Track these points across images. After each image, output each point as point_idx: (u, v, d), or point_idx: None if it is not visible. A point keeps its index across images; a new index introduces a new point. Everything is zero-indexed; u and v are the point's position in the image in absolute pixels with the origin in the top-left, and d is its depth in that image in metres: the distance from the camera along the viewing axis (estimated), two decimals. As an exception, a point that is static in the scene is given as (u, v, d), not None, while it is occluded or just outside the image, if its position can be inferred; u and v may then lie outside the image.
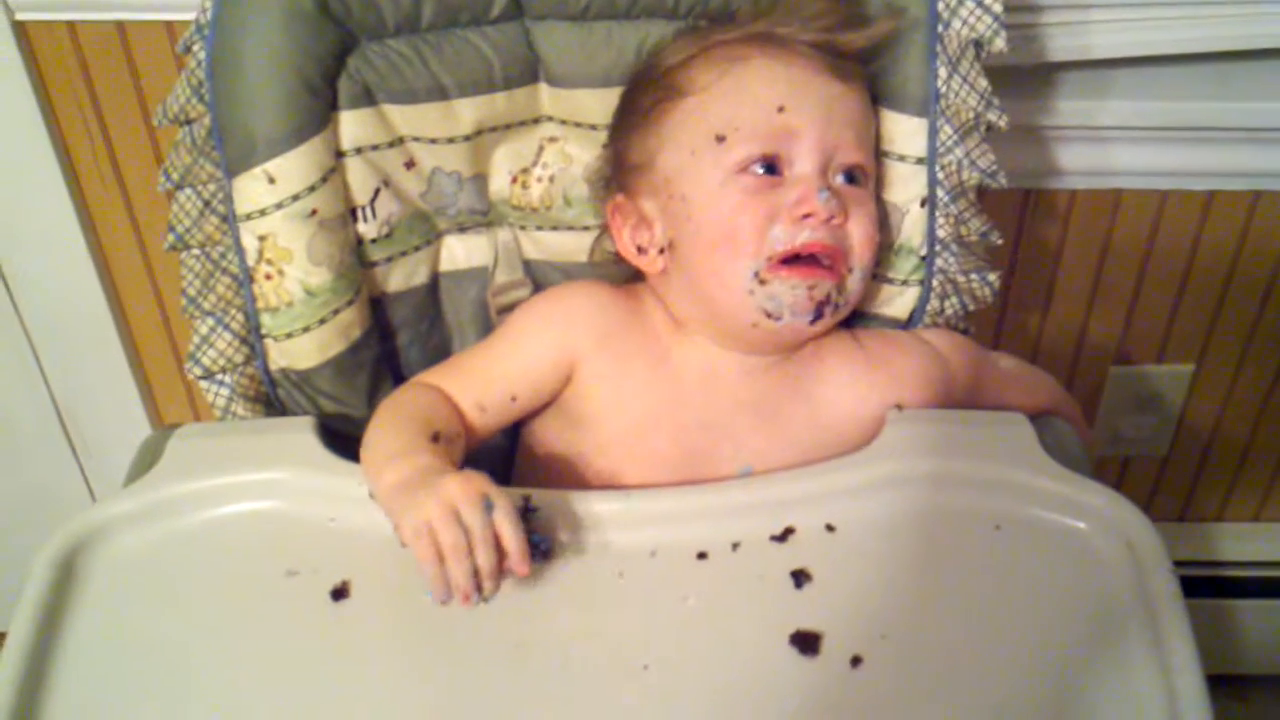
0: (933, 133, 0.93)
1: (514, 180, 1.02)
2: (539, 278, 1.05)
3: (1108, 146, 1.20)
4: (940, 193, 0.94)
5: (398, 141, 0.96)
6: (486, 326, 1.04)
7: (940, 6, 0.90)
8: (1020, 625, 0.78)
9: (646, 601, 0.80)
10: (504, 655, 0.77)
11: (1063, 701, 0.74)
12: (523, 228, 1.04)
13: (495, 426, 0.93)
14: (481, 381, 0.91)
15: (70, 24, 1.13)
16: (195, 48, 0.90)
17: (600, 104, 0.97)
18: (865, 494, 0.85)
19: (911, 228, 0.96)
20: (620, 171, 0.94)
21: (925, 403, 0.93)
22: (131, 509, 0.86)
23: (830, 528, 0.84)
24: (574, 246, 1.04)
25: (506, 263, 1.04)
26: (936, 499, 0.85)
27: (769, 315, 0.87)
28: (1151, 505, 1.47)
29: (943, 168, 0.93)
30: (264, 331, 0.95)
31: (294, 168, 0.90)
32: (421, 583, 0.77)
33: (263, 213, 0.91)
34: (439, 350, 1.04)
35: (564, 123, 0.99)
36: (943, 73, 0.91)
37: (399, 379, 0.99)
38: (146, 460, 0.90)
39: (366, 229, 0.97)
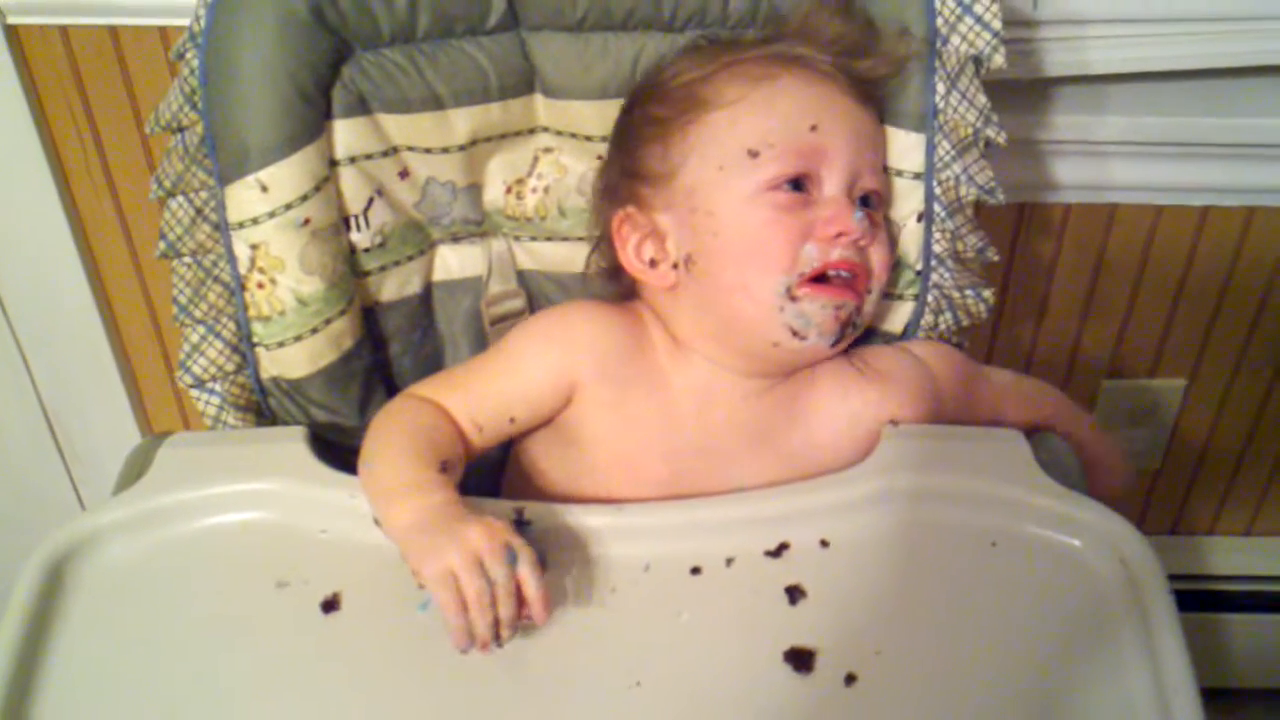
0: (930, 148, 0.92)
1: (508, 190, 1.01)
2: (533, 288, 1.05)
3: (1103, 161, 1.20)
4: (937, 208, 0.94)
5: (392, 151, 0.96)
6: (480, 337, 1.04)
7: (939, 22, 0.90)
8: (1015, 642, 0.78)
9: (639, 617, 0.80)
10: (495, 669, 0.76)
11: (1057, 716, 0.74)
12: (517, 238, 1.04)
13: (491, 445, 0.92)
14: (480, 400, 0.90)
15: (63, 28, 1.12)
16: (189, 55, 0.89)
17: (596, 115, 0.96)
18: (860, 510, 0.85)
19: (908, 242, 0.96)
20: (630, 183, 0.93)
21: (917, 416, 0.92)
22: (120, 518, 0.85)
23: (825, 543, 0.83)
24: (568, 257, 1.03)
25: (500, 273, 1.03)
26: (931, 515, 0.85)
27: (795, 334, 0.87)
28: (1144, 519, 1.47)
29: (940, 183, 0.93)
30: (255, 340, 0.94)
31: (287, 176, 0.89)
32: (412, 596, 0.77)
33: (255, 221, 0.90)
34: (431, 360, 1.04)
35: (559, 133, 0.99)
36: (941, 88, 0.91)
37: (391, 389, 0.99)
38: (136, 469, 0.90)
39: (360, 238, 0.96)
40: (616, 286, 0.99)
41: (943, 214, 0.94)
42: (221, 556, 0.84)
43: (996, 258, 0.97)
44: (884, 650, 0.77)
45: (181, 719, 0.75)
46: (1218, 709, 1.50)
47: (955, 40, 0.90)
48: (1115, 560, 0.81)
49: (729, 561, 0.82)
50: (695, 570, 0.82)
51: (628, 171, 0.93)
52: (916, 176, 0.93)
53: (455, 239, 1.03)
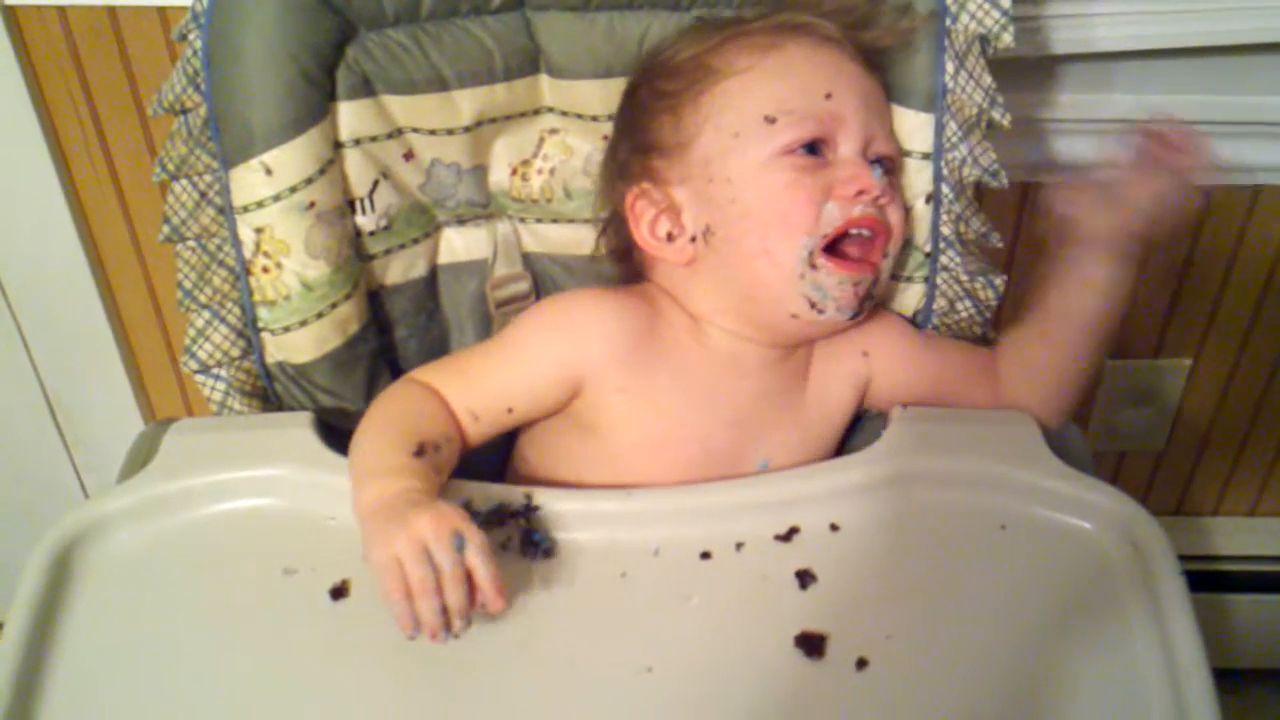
0: (939, 128, 0.92)
1: (514, 172, 1.00)
2: (538, 271, 1.04)
3: (1108, 140, 1.19)
4: (945, 189, 0.93)
5: (396, 133, 0.95)
6: (485, 319, 1.04)
7: (949, 0, 0.89)
8: (1026, 625, 0.78)
9: (649, 602, 0.79)
10: (505, 655, 0.76)
11: (1069, 699, 0.74)
12: (522, 220, 1.03)
13: (489, 434, 0.91)
14: (478, 389, 0.89)
15: (61, 9, 1.11)
16: (191, 36, 0.89)
17: (602, 95, 0.96)
18: (870, 493, 0.85)
19: (917, 224, 0.95)
20: (642, 159, 0.92)
21: (899, 353, 0.95)
22: (127, 505, 0.85)
23: (835, 527, 0.83)
24: (574, 239, 1.03)
25: (505, 255, 1.03)
26: (941, 498, 0.85)
27: (813, 306, 0.87)
28: (1148, 499, 1.47)
29: (947, 164, 0.92)
30: (261, 325, 0.94)
31: (291, 159, 0.89)
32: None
33: (260, 205, 0.89)
34: (437, 343, 1.03)
35: (565, 114, 0.98)
36: (950, 67, 0.90)
37: (397, 373, 0.98)
38: (141, 456, 0.89)
39: (365, 221, 0.96)
40: (626, 268, 0.98)
41: (950, 195, 0.93)
42: (228, 543, 0.84)
43: (1000, 244, 0.97)
44: (895, 634, 0.77)
45: (189, 707, 0.74)
46: (1222, 689, 1.50)
47: (964, 19, 0.89)
48: (1126, 542, 0.81)
49: (739, 546, 0.82)
50: (705, 555, 0.82)
51: (639, 147, 0.92)
52: (925, 157, 0.93)
53: (460, 221, 1.02)
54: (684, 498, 0.85)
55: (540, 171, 1.00)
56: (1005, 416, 0.91)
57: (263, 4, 0.86)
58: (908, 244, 0.96)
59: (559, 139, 0.99)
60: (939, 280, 0.96)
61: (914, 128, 0.93)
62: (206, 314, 0.94)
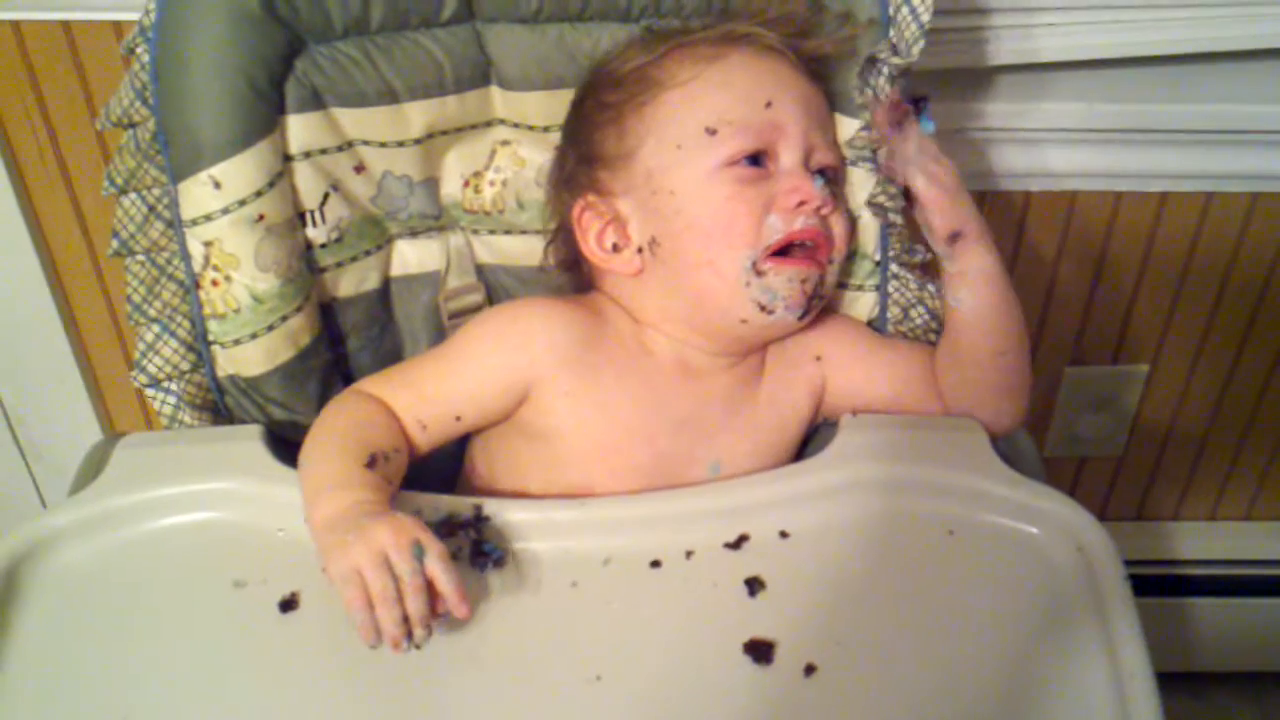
0: (883, 136, 0.92)
1: (466, 184, 1.00)
2: (492, 282, 1.04)
3: (1062, 149, 1.20)
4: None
5: (347, 145, 0.95)
6: (439, 332, 1.03)
7: (891, 10, 0.89)
8: (973, 630, 0.78)
9: (599, 611, 0.80)
10: (456, 666, 0.76)
11: (1016, 705, 0.74)
12: (475, 232, 1.03)
13: (437, 443, 0.91)
14: (425, 398, 0.90)
15: (14, 23, 1.11)
16: (139, 50, 0.88)
17: (554, 107, 0.96)
18: (819, 500, 0.85)
19: (864, 232, 0.95)
20: (588, 170, 0.92)
21: (854, 355, 0.95)
22: (75, 520, 0.85)
23: (784, 534, 0.84)
24: (527, 251, 1.03)
25: (459, 267, 1.03)
26: (890, 504, 0.85)
27: (763, 309, 0.88)
28: (1108, 505, 1.48)
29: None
30: (211, 338, 0.94)
31: (240, 172, 0.88)
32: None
33: (209, 218, 0.89)
34: (391, 356, 1.03)
35: (517, 126, 0.98)
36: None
37: (350, 385, 0.98)
38: (92, 470, 0.89)
39: (316, 234, 0.96)
40: (575, 279, 0.98)
41: (891, 205, 0.93)
42: (178, 557, 0.84)
43: (925, 258, 0.95)
44: (843, 641, 0.77)
45: (139, 720, 0.74)
46: (1184, 692, 1.54)
47: (894, 29, 0.89)
48: (1073, 548, 0.82)
49: (689, 554, 0.82)
50: (655, 563, 0.82)
51: (584, 159, 0.92)
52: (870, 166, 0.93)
53: (413, 233, 1.02)
54: (634, 506, 0.85)
55: (492, 183, 1.00)
56: (954, 423, 0.92)
57: (210, 17, 0.86)
58: (857, 253, 0.96)
59: (511, 151, 1.00)
60: (890, 288, 0.96)
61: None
62: (156, 328, 0.93)
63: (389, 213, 0.99)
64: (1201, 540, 1.50)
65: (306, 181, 0.94)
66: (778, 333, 0.92)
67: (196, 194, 0.89)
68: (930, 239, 0.89)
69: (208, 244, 0.90)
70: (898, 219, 0.92)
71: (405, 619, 0.74)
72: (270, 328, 0.93)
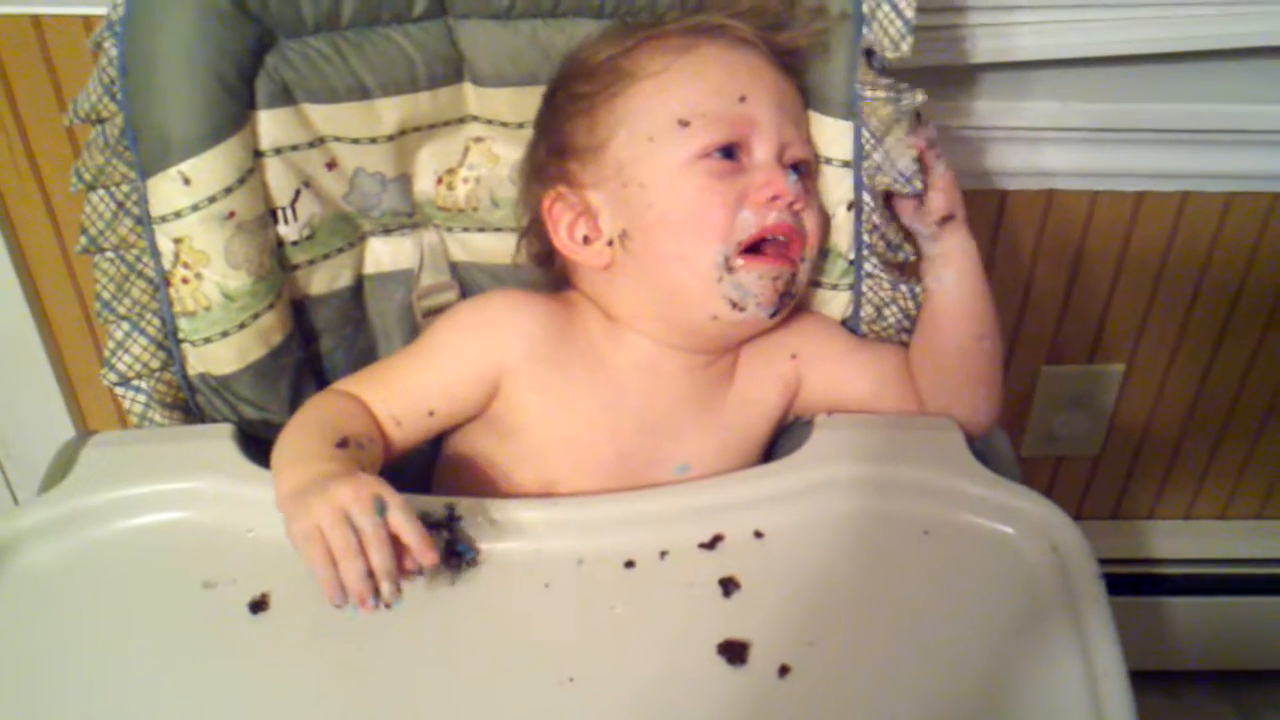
0: (858, 135, 0.91)
1: (439, 181, 1.00)
2: (466, 280, 1.04)
3: (1038, 147, 1.20)
4: (866, 196, 0.93)
5: (319, 141, 0.94)
6: (412, 330, 1.03)
7: (865, 7, 0.89)
8: (948, 630, 0.78)
9: (572, 611, 0.79)
10: (427, 667, 0.75)
11: (990, 704, 0.74)
12: (449, 229, 1.02)
13: (413, 440, 0.91)
14: (398, 394, 0.89)
15: (-17, 18, 1.10)
16: (107, 44, 0.87)
17: (527, 104, 0.95)
18: (794, 500, 0.85)
19: (839, 231, 0.95)
20: (558, 162, 0.92)
21: (830, 353, 0.95)
22: (43, 520, 0.84)
23: (759, 534, 0.83)
24: (501, 248, 1.02)
25: (432, 265, 1.02)
26: (865, 504, 0.85)
27: (734, 305, 0.87)
28: (1084, 504, 1.48)
29: (865, 171, 0.92)
30: (181, 336, 0.93)
31: (210, 169, 0.87)
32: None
33: (178, 215, 0.88)
34: (364, 354, 1.02)
35: (490, 122, 0.98)
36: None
37: (323, 384, 0.97)
38: (61, 469, 0.88)
39: (287, 231, 0.95)
40: (549, 274, 0.98)
41: (870, 203, 0.93)
42: (147, 558, 0.83)
43: (913, 257, 0.95)
44: (817, 641, 0.77)
45: (108, 722, 0.73)
46: (1160, 691, 1.54)
47: (875, 25, 0.89)
48: (1047, 547, 0.82)
49: (663, 554, 0.82)
50: (629, 564, 0.81)
51: (555, 150, 0.92)
52: (845, 164, 0.93)
53: (386, 231, 1.01)
54: (608, 507, 0.85)
55: (466, 180, 1.00)
56: (929, 422, 0.91)
57: (179, 11, 0.85)
58: (831, 252, 0.96)
59: (484, 147, 0.99)
60: (865, 287, 0.96)
61: (834, 135, 0.92)
62: (126, 325, 0.92)
63: (362, 210, 0.99)
64: (1177, 539, 1.51)
65: (277, 178, 0.93)
66: (749, 330, 0.92)
67: (166, 190, 0.88)
68: (919, 222, 0.90)
69: (177, 241, 0.89)
70: (876, 219, 0.92)
71: (371, 575, 0.73)
72: (241, 326, 0.92)
